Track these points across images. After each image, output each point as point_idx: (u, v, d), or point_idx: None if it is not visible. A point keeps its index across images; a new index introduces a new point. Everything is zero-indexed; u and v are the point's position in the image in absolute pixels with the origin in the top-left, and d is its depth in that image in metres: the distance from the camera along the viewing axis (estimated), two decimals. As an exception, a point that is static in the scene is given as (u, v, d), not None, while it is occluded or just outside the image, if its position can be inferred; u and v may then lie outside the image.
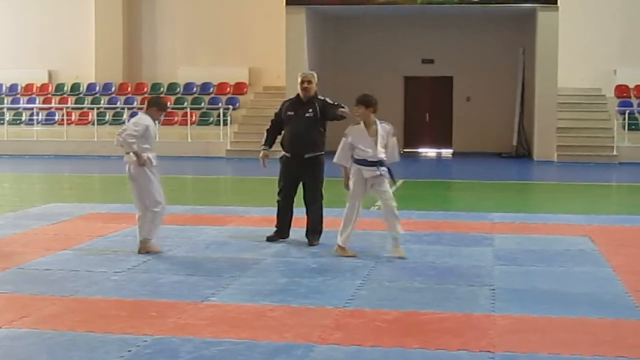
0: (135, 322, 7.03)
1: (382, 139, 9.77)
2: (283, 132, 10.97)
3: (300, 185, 11.00)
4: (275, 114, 11.12)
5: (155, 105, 10.38)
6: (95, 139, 27.44)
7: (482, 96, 28.90)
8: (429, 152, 29.51)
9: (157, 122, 10.35)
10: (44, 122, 28.78)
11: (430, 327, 6.94)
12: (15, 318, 7.13)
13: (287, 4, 26.28)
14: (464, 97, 29.26)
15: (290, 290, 8.12)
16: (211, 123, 27.81)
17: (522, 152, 27.07)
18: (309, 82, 10.74)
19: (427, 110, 29.77)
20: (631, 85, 27.38)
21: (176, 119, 27.90)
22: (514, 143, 27.28)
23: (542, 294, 8.06)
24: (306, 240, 10.75)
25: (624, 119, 25.78)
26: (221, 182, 21.46)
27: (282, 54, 26.75)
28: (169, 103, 28.33)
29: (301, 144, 10.66)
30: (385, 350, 6.30)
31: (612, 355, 6.20)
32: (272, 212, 13.21)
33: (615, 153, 25.17)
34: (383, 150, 9.77)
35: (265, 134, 11.07)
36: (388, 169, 9.89)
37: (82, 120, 28.56)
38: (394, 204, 9.98)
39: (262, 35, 28.83)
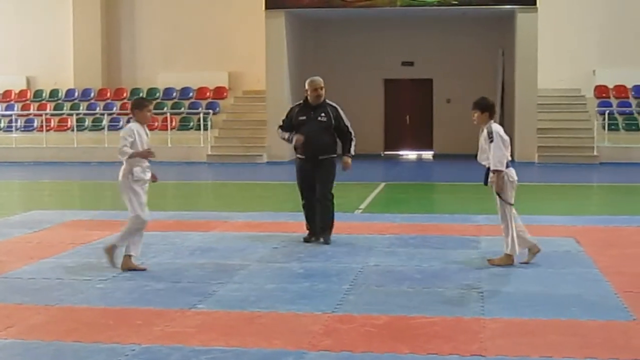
0: (123, 330, 6.95)
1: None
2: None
3: None
4: (283, 120, 11.37)
5: (135, 107, 9.87)
6: (75, 145, 27.31)
7: (462, 98, 28.79)
8: (410, 154, 29.52)
9: (145, 125, 9.87)
10: (22, 129, 28.64)
11: (420, 331, 6.90)
12: (0, 328, 7.03)
13: (266, 8, 26.26)
14: (444, 99, 29.33)
15: (277, 296, 8.06)
16: (191, 128, 27.73)
17: (503, 154, 27.05)
18: (322, 88, 11.04)
19: (408, 113, 29.80)
20: (610, 86, 27.53)
21: (156, 124, 27.74)
22: (495, 144, 27.26)
23: (530, 296, 8.03)
24: (293, 243, 10.74)
25: (604, 119, 25.90)
26: (203, 187, 21.38)
27: (262, 58, 26.73)
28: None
29: (315, 146, 10.97)
30: (377, 355, 6.25)
31: (604, 357, 6.18)
32: (255, 217, 13.31)
33: (595, 153, 25.28)
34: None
35: (282, 130, 11.34)
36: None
37: (61, 127, 28.41)
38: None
39: (242, 40, 28.77)
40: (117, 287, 8.55)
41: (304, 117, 11.04)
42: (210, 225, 12.69)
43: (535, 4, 25.31)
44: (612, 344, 6.52)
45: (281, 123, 11.39)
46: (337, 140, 11.21)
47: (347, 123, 11.15)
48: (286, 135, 11.20)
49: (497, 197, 9.50)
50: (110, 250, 9.50)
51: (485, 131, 9.35)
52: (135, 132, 9.57)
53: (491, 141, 9.24)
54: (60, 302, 7.92)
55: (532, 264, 9.53)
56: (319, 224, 11.06)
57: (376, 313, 7.41)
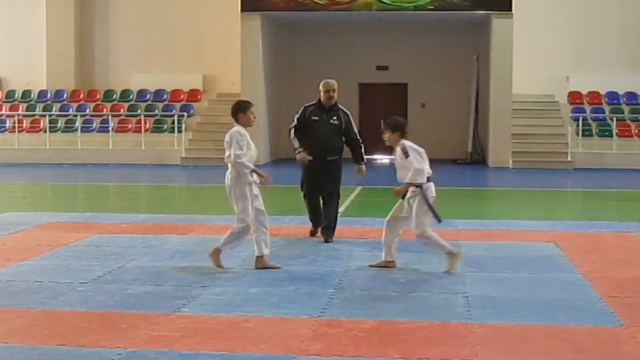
0: (107, 334, 6.84)
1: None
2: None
3: None
4: (297, 119, 11.56)
5: (238, 110, 9.54)
6: (48, 147, 27.05)
7: (437, 103, 29.00)
8: (385, 158, 29.47)
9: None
10: (-6, 130, 28.32)
11: (408, 336, 6.85)
12: (-18, 332, 6.92)
13: (242, 10, 26.15)
14: (418, 104, 29.34)
15: (262, 300, 7.98)
16: (165, 130, 27.55)
17: (477, 159, 27.20)
18: (334, 90, 11.38)
19: (382, 117, 29.47)
20: (584, 92, 27.67)
21: (130, 126, 27.63)
22: (469, 149, 27.41)
23: (516, 301, 8.01)
24: (274, 247, 10.65)
25: (578, 125, 26.02)
26: (178, 189, 21.24)
27: (237, 61, 26.63)
28: (122, 110, 28.12)
29: (325, 148, 11.34)
30: (367, 360, 6.21)
31: (594, 362, 6.17)
32: (234, 220, 13.13)
33: (569, 159, 25.39)
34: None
35: (296, 140, 11.49)
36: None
37: (34, 128, 28.12)
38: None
39: (217, 42, 28.65)
40: (99, 290, 8.44)
41: (317, 118, 11.38)
42: (188, 228, 12.59)
43: (510, 9, 25.38)
44: (602, 349, 6.51)
45: (295, 122, 11.59)
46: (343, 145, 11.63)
47: (356, 130, 11.63)
48: (296, 144, 11.46)
49: (425, 207, 9.32)
50: (215, 254, 9.48)
51: (398, 149, 9.38)
52: (247, 137, 9.33)
53: (407, 157, 9.26)
54: (41, 305, 7.80)
55: (514, 269, 9.51)
56: (324, 222, 11.45)
57: (363, 317, 7.36)
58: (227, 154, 9.33)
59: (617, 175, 23.20)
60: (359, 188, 18.21)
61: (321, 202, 11.69)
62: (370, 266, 9.57)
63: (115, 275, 9.17)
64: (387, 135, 9.51)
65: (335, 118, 11.38)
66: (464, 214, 14.65)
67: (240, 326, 7.10)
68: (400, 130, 9.48)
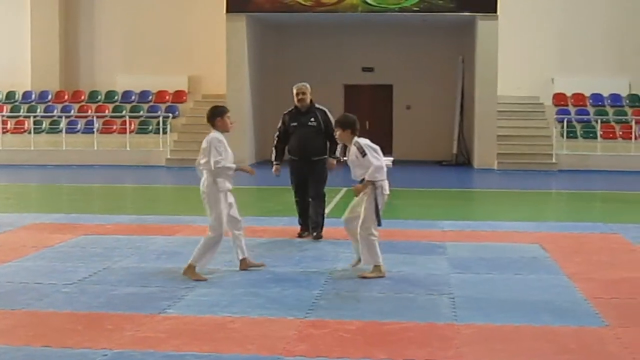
0: (92, 335, 6.82)
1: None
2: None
3: None
4: (279, 128, 11.88)
5: (215, 115, 9.26)
6: (32, 148, 26.94)
7: (422, 104, 29.05)
8: (370, 160, 29.48)
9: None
10: (-22, 131, 28.20)
11: (394, 337, 6.85)
12: (-34, 333, 6.89)
13: (227, 11, 26.13)
14: (404, 106, 29.39)
15: (248, 301, 7.97)
16: (150, 131, 27.48)
17: (462, 160, 27.25)
18: (304, 93, 11.67)
19: (367, 119, 29.67)
20: (569, 94, 27.75)
21: (115, 127, 27.55)
22: (454, 151, 27.45)
23: (501, 302, 8.02)
24: (259, 248, 10.73)
25: (562, 127, 26.10)
26: (163, 191, 21.20)
27: (222, 62, 26.59)
28: (107, 111, 28.04)
29: (308, 150, 11.63)
30: (353, 361, 6.21)
31: (580, 363, 6.19)
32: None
33: (554, 161, 25.46)
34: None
35: (274, 151, 11.92)
36: None
37: (18, 129, 27.99)
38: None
39: (202, 43, 28.61)
40: (84, 292, 8.42)
41: (295, 124, 11.68)
42: (174, 230, 12.56)
43: (495, 11, 25.43)
44: (587, 350, 6.53)
45: (277, 132, 11.91)
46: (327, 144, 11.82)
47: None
48: (272, 156, 11.93)
49: (373, 205, 9.19)
50: (190, 270, 9.03)
51: (354, 147, 9.23)
52: (224, 142, 9.13)
53: (364, 155, 9.10)
54: (26, 307, 7.77)
55: (500, 270, 9.54)
56: (312, 221, 11.68)
57: (348, 318, 7.36)
58: (203, 160, 9.05)
59: (602, 177, 23.29)
60: (344, 189, 18.18)
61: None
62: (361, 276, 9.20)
63: (100, 276, 9.14)
64: (338, 133, 9.41)
65: (312, 119, 11.64)
66: (450, 216, 14.68)
67: (226, 327, 7.09)
68: (351, 128, 9.30)
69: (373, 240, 9.15)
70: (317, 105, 11.83)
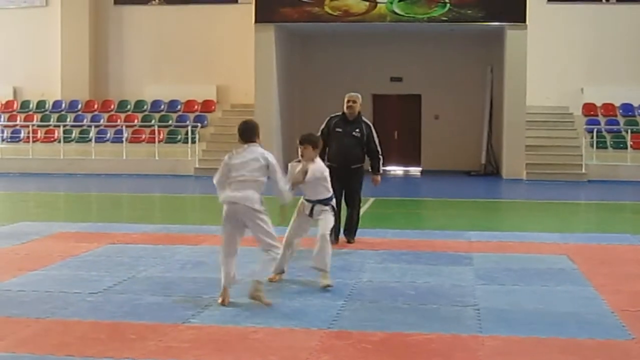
0: (115, 345, 6.82)
1: None
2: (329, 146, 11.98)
3: None
4: (322, 130, 12.01)
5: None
6: (62, 157, 27.15)
7: (451, 114, 28.97)
8: (397, 170, 29.47)
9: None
10: (9, 140, 28.47)
11: (418, 348, 6.81)
12: (-10, 341, 6.91)
13: (256, 21, 26.22)
14: (432, 115, 29.33)
15: (271, 311, 7.95)
16: (179, 141, 27.60)
17: (491, 171, 27.15)
18: (354, 101, 12.01)
19: (396, 129, 29.75)
20: (598, 104, 27.58)
21: (143, 136, 27.71)
22: (483, 161, 27.37)
23: (527, 314, 7.95)
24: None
25: (592, 137, 25.93)
26: (191, 200, 21.25)
27: (250, 72, 26.68)
28: (136, 121, 28.18)
29: (348, 158, 11.87)
30: (375, 373, 6.17)
31: (605, 376, 6.11)
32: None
33: (583, 171, 25.29)
34: None
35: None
36: None
37: (48, 138, 28.24)
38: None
39: (230, 53, 28.72)
40: (108, 301, 8.42)
41: (340, 130, 11.94)
42: (200, 239, 12.56)
43: (524, 21, 25.34)
44: (613, 363, 6.46)
45: (320, 133, 11.84)
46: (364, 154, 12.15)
47: (377, 142, 12.09)
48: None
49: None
50: (258, 293, 8.27)
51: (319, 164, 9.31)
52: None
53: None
54: (50, 315, 7.78)
55: (526, 281, 9.46)
56: (347, 226, 12.13)
57: (372, 329, 7.31)
58: (260, 177, 8.33)
59: (632, 188, 23.09)
60: (371, 199, 18.16)
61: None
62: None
63: (125, 285, 9.15)
64: (304, 150, 9.17)
65: (357, 130, 11.92)
66: (477, 226, 14.61)
67: (249, 337, 7.07)
68: (317, 146, 9.33)
69: (329, 244, 9.32)
70: (363, 118, 12.15)
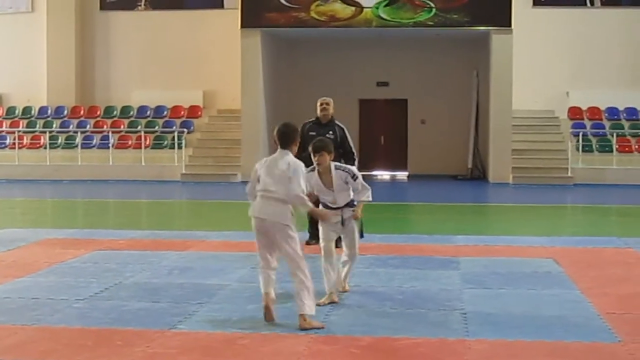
0: (103, 351, 6.81)
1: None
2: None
3: None
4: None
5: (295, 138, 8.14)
6: (48, 163, 27.08)
7: (437, 119, 29.02)
8: (384, 174, 29.50)
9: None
10: (-6, 146, 28.36)
11: (405, 352, 6.82)
12: (-23, 349, 6.88)
13: (242, 26, 26.21)
14: (418, 120, 29.38)
15: (259, 317, 7.92)
16: (165, 146, 27.56)
17: (477, 175, 27.20)
18: (327, 104, 12.18)
19: (382, 133, 29.80)
20: (584, 107, 27.67)
21: (130, 142, 27.66)
22: (469, 165, 27.41)
23: (514, 317, 7.97)
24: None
25: (578, 141, 26.01)
26: (178, 206, 21.22)
27: (237, 77, 26.67)
28: (122, 126, 28.13)
29: None
30: (363, 377, 6.17)
31: (592, 379, 6.13)
32: (232, 236, 13.18)
33: (569, 174, 25.37)
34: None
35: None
36: None
37: (34, 144, 28.16)
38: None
39: (217, 59, 28.69)
40: (95, 307, 8.40)
41: (314, 133, 11.78)
42: (187, 245, 12.55)
43: (510, 25, 25.41)
44: (599, 366, 6.47)
45: None
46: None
47: (352, 144, 12.08)
48: None
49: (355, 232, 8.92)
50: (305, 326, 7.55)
51: (340, 172, 8.67)
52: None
53: (355, 178, 8.64)
54: (37, 322, 7.76)
55: (513, 285, 9.48)
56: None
57: (359, 334, 7.32)
58: (278, 189, 7.70)
59: (618, 191, 23.20)
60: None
61: None
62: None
63: (112, 291, 9.14)
64: (319, 158, 8.59)
65: (331, 132, 11.91)
66: (464, 230, 14.63)
67: (236, 343, 7.07)
68: (331, 152, 8.71)
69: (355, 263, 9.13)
70: (336, 121, 12.23)
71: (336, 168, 8.74)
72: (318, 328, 7.47)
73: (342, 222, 8.79)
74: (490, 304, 8.57)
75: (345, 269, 9.03)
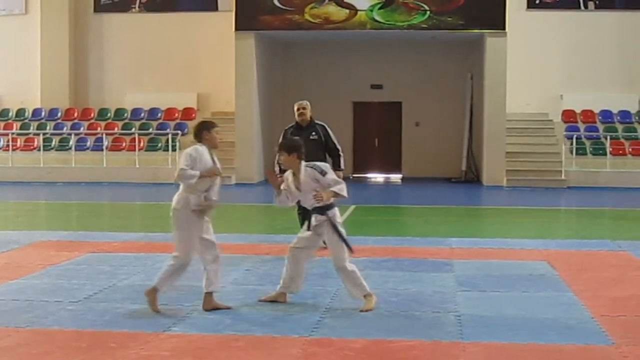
0: (96, 353, 6.81)
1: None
2: None
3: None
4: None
5: (203, 129, 8.70)
6: (42, 165, 27.04)
7: (431, 121, 29.04)
8: (378, 177, 29.52)
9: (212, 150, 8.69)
10: (-12, 149, 28.32)
11: (399, 355, 6.82)
12: (-30, 351, 6.87)
13: (236, 29, 26.20)
14: (413, 122, 29.38)
15: (253, 319, 7.95)
16: (159, 149, 27.53)
17: (471, 177, 27.22)
18: (304, 108, 12.30)
19: (376, 136, 29.82)
20: (578, 110, 27.70)
21: (124, 144, 27.63)
22: (463, 168, 27.44)
23: (508, 320, 7.98)
24: (265, 266, 10.84)
25: (572, 144, 26.05)
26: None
27: (231, 80, 26.67)
28: (116, 129, 28.11)
29: (310, 161, 11.46)
30: (357, 380, 6.17)
31: (585, 382, 6.14)
32: (226, 239, 13.06)
33: (563, 177, 25.41)
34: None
35: (278, 165, 11.54)
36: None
37: (28, 146, 28.11)
38: None
39: (211, 61, 28.68)
40: (89, 309, 8.40)
41: (297, 138, 11.47)
42: (181, 247, 12.51)
43: (504, 28, 25.43)
44: (593, 369, 6.48)
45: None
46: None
47: (335, 140, 12.28)
48: (277, 169, 11.57)
49: (337, 236, 8.42)
50: (153, 294, 8.34)
51: (309, 170, 8.44)
52: (199, 153, 8.45)
53: (324, 174, 8.42)
54: (31, 324, 7.75)
55: (507, 288, 9.49)
56: None
57: (354, 336, 7.33)
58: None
59: (611, 194, 23.23)
60: (352, 207, 18.18)
61: None
62: (260, 300, 8.70)
63: (106, 294, 9.13)
64: (282, 158, 8.65)
65: (313, 133, 12.17)
66: (458, 233, 14.65)
67: (231, 345, 7.07)
68: (297, 152, 8.54)
69: (352, 271, 8.46)
70: (316, 121, 12.40)
71: (306, 167, 8.52)
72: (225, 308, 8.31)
73: (309, 227, 8.56)
74: (485, 306, 8.59)
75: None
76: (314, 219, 8.48)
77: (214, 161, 8.63)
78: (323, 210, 8.41)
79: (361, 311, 8.26)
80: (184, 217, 8.40)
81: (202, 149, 8.51)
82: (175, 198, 8.52)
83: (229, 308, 8.43)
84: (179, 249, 8.46)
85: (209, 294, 8.43)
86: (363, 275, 10.05)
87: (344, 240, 8.39)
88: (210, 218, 8.61)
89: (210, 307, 8.37)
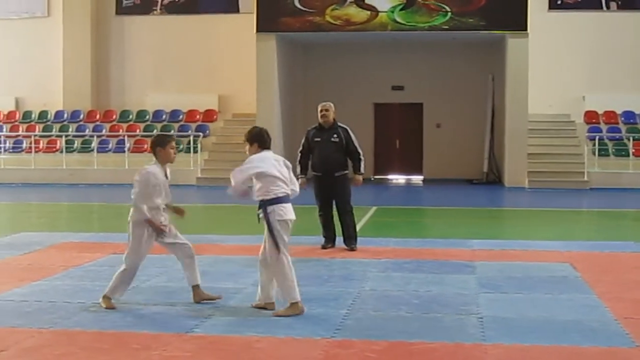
0: (119, 354, 6.83)
1: None
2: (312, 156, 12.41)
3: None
4: (303, 144, 12.46)
5: (157, 144, 8.74)
6: (64, 167, 27.19)
7: (452, 123, 28.98)
8: (399, 178, 29.48)
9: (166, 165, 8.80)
10: (11, 150, 28.50)
11: (421, 357, 6.81)
12: (-6, 352, 6.91)
13: (257, 31, 26.24)
14: (434, 124, 29.33)
15: (275, 321, 7.94)
16: (181, 150, 27.51)
17: (493, 179, 27.14)
18: (327, 110, 12.33)
19: (397, 137, 29.78)
20: (600, 111, 27.59)
21: (145, 146, 27.67)
22: (485, 169, 27.35)
23: (530, 322, 7.94)
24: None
25: (594, 145, 25.93)
26: (193, 210, 21.18)
27: (252, 81, 26.70)
28: (138, 130, 28.21)
29: (331, 165, 12.16)
30: (379, 382, 6.16)
31: (609, 384, 6.10)
32: (247, 240, 13.13)
33: (585, 179, 25.29)
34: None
35: (299, 166, 12.24)
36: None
37: (50, 148, 28.28)
38: None
39: (232, 62, 28.75)
40: (111, 311, 8.42)
41: (319, 139, 12.25)
42: (202, 249, 12.48)
43: (525, 29, 25.34)
44: (616, 371, 6.45)
45: (301, 147, 12.48)
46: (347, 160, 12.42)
47: (357, 144, 12.32)
48: (297, 170, 11.96)
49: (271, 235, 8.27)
50: (106, 301, 8.53)
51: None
52: (152, 179, 8.58)
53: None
54: (53, 326, 7.79)
55: (529, 289, 9.45)
56: (345, 234, 12.41)
57: (375, 338, 7.31)
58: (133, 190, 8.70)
59: (634, 195, 23.08)
60: (373, 208, 18.17)
61: (335, 218, 12.51)
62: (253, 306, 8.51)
63: (128, 295, 9.12)
64: (246, 148, 8.83)
65: (335, 136, 12.23)
66: (480, 234, 14.60)
67: (252, 347, 7.07)
68: (258, 141, 8.83)
69: (280, 272, 8.23)
70: (339, 123, 12.41)
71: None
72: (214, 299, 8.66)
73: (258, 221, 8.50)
74: (507, 308, 8.55)
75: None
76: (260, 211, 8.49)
77: (166, 176, 8.79)
78: (260, 205, 8.51)
79: (276, 315, 8.14)
80: (137, 231, 8.72)
81: (156, 169, 8.68)
82: (131, 210, 8.78)
83: (219, 298, 8.78)
84: (128, 258, 8.70)
85: (196, 287, 8.75)
86: (384, 277, 10.10)
87: (274, 237, 8.23)
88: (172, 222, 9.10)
89: (200, 299, 8.70)
